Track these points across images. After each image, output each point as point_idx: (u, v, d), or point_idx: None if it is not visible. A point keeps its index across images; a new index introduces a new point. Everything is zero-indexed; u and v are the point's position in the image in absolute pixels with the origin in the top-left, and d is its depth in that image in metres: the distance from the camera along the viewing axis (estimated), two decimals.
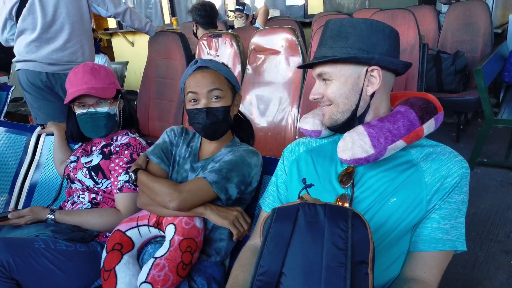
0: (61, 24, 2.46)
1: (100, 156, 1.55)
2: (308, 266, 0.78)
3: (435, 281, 0.93)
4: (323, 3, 4.86)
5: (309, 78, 2.34)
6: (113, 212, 1.46)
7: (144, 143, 1.60)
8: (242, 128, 1.49)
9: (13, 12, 2.41)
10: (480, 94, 2.92)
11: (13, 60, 2.54)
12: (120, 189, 1.46)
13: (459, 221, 0.93)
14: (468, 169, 0.95)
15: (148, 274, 1.14)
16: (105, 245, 1.27)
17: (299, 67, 1.16)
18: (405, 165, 0.97)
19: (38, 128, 2.00)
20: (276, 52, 2.48)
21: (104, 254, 1.25)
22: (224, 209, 1.25)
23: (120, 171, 1.48)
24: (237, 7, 4.09)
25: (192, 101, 1.29)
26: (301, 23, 4.25)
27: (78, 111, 1.53)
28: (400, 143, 0.94)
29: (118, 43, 6.89)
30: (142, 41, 6.36)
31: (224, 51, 2.67)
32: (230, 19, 5.29)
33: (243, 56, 2.66)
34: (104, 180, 1.52)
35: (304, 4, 5.25)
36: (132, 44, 6.63)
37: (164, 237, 1.27)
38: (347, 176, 0.99)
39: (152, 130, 3.00)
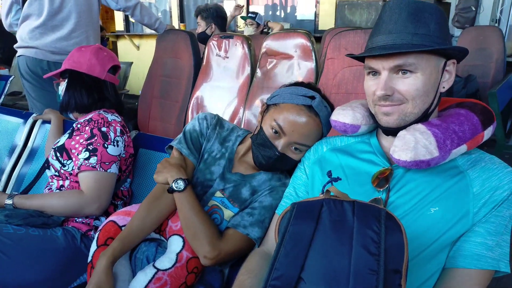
0: (68, 12, 2.36)
1: (67, 135, 1.44)
2: (332, 272, 0.67)
3: None
4: (335, 19, 4.83)
5: (321, 85, 2.25)
6: (75, 193, 1.33)
7: (110, 118, 1.43)
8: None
9: None
10: None
11: (15, 45, 2.44)
12: (79, 168, 1.33)
13: (505, 239, 0.82)
14: None
15: (146, 286, 1.00)
16: (96, 236, 1.13)
17: (361, 55, 0.87)
18: (451, 172, 0.86)
19: (34, 115, 1.90)
20: (288, 57, 2.40)
21: (93, 247, 1.11)
22: None
23: (81, 148, 1.35)
24: (250, 14, 4.05)
25: (273, 131, 1.09)
26: None
27: None
28: (463, 148, 0.84)
29: (124, 46, 6.83)
30: (148, 45, 6.31)
31: (234, 53, 2.59)
32: (239, 29, 5.26)
33: (254, 59, 2.58)
34: (69, 161, 1.39)
35: (314, 19, 5.23)
36: (138, 47, 6.57)
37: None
38: (383, 178, 0.88)
39: (152, 130, 2.89)
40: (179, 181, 1.09)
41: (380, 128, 0.93)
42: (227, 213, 1.15)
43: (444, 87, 0.88)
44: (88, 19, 2.44)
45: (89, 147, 1.34)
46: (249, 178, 1.19)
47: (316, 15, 5.22)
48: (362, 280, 0.64)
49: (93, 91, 1.49)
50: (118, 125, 1.44)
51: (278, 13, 5.81)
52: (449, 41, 0.85)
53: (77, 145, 1.37)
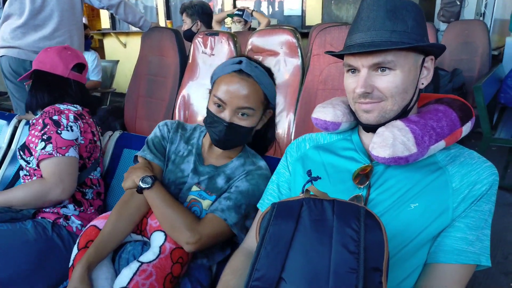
0: (50, 11, 2.33)
1: (27, 133, 1.45)
2: (313, 272, 0.67)
3: None
4: (321, 14, 4.84)
5: (308, 82, 2.25)
6: (37, 181, 1.35)
7: (63, 107, 1.44)
8: (261, 141, 1.31)
9: None
10: (479, 112, 2.86)
11: None
12: (38, 159, 1.34)
13: (485, 233, 0.83)
14: (498, 176, 0.85)
15: (131, 279, 0.99)
16: (77, 240, 1.13)
17: (340, 53, 0.88)
18: (430, 167, 0.86)
19: (17, 115, 1.87)
20: (274, 54, 2.39)
21: (75, 250, 1.11)
22: None
23: (37, 141, 1.36)
24: (237, 12, 4.03)
25: (216, 105, 1.13)
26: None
27: None
28: (442, 144, 0.84)
29: (110, 44, 6.76)
30: (135, 43, 6.24)
31: (220, 50, 2.57)
32: (226, 25, 5.24)
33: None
34: (31, 157, 1.40)
35: (301, 15, 5.23)
36: (125, 45, 6.51)
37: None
38: (364, 175, 0.88)
39: (139, 130, 2.87)
40: (146, 179, 1.11)
41: (360, 125, 0.93)
42: (206, 203, 1.17)
43: (423, 83, 0.88)
44: (71, 18, 2.41)
45: (43, 136, 1.36)
46: (222, 168, 1.21)
47: (303, 10, 5.22)
48: (342, 279, 0.64)
49: (54, 89, 1.50)
50: (72, 112, 1.44)
51: (265, 9, 5.80)
52: (427, 38, 0.86)
53: (33, 139, 1.38)
